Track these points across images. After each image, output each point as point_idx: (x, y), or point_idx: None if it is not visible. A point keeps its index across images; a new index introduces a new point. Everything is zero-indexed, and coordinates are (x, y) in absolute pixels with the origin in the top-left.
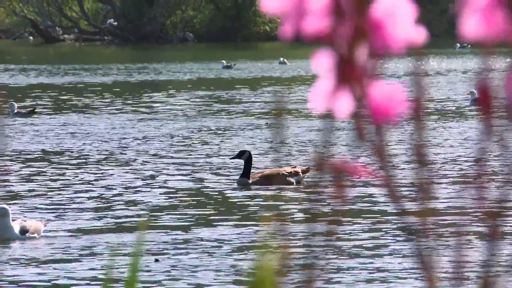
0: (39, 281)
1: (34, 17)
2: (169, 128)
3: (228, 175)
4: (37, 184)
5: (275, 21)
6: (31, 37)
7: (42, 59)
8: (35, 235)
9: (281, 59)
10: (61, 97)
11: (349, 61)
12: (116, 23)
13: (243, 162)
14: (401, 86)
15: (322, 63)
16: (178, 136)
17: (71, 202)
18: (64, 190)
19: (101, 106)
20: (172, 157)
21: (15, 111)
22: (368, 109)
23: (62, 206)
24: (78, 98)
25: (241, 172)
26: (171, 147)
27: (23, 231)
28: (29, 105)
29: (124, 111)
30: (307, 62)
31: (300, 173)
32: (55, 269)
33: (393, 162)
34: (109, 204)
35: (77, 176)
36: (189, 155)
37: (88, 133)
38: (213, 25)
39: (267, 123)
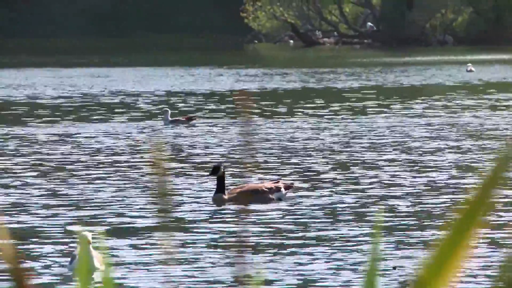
0: None
1: (294, 21)
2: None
3: None
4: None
5: None
6: (291, 41)
7: (301, 62)
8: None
9: None
10: (300, 101)
11: None
12: (375, 27)
13: (216, 178)
14: None
15: None
16: (431, 142)
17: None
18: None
19: (351, 109)
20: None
21: (170, 118)
22: None
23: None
24: (315, 103)
25: (216, 187)
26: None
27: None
28: (188, 112)
29: (376, 115)
30: None
31: (283, 189)
32: None
33: None
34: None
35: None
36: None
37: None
38: (473, 28)
39: None
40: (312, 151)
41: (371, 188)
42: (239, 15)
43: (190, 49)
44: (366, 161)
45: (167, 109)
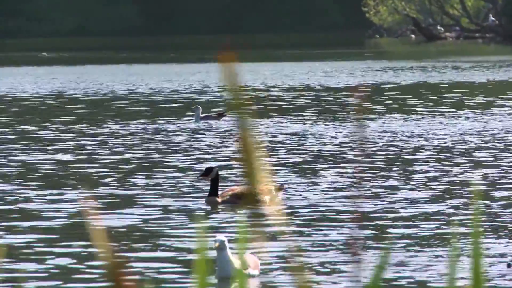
0: None
1: (416, 16)
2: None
3: None
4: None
5: None
6: (412, 35)
7: (423, 56)
8: (256, 271)
9: None
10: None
11: None
12: (497, 21)
13: (210, 181)
14: None
15: None
16: None
17: None
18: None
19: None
20: None
21: (201, 115)
22: None
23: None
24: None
25: (209, 190)
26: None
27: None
28: (222, 109)
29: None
30: None
31: (274, 191)
32: None
33: None
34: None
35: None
36: None
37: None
38: None
39: None
40: (428, 148)
41: (484, 184)
42: (360, 10)
43: (311, 44)
44: (481, 158)
45: (198, 106)
